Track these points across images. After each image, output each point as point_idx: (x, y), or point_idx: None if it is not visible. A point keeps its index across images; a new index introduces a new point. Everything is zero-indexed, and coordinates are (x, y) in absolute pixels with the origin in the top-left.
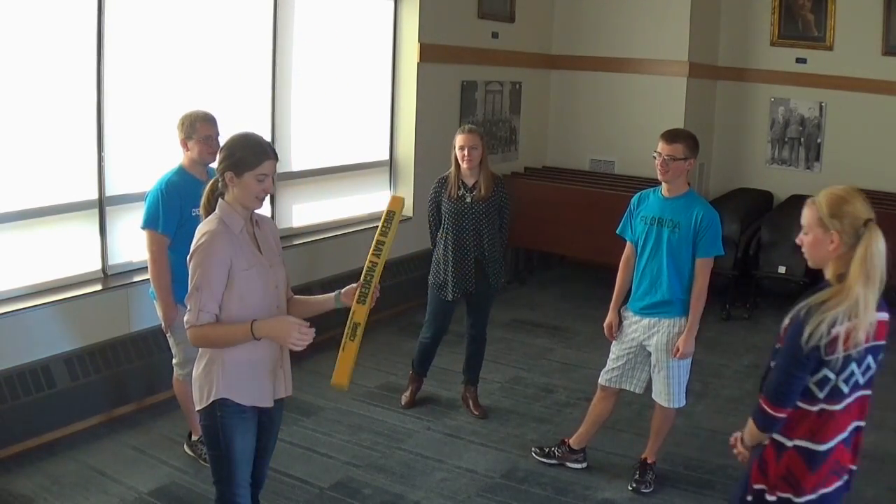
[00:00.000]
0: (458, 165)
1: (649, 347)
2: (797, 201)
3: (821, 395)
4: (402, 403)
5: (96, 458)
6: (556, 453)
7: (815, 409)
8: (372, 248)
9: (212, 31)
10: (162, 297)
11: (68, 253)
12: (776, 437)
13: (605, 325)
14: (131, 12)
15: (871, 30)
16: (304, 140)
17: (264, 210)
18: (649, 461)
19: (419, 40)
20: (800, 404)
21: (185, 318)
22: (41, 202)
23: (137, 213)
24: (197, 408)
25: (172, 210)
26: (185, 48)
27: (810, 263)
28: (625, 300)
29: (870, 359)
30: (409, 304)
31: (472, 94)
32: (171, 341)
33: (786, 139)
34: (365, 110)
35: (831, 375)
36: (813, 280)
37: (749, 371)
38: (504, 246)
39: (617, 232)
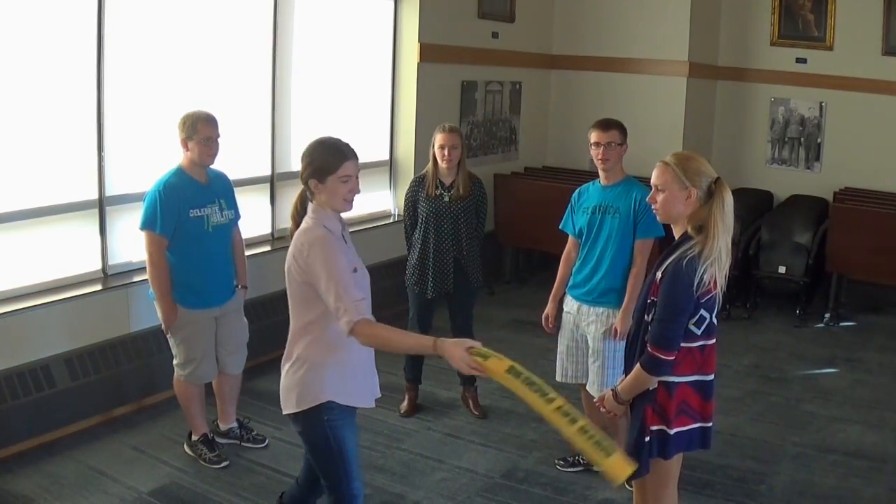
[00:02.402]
0: (436, 164)
1: (588, 337)
2: (797, 201)
3: (699, 333)
4: (401, 412)
5: (96, 458)
6: (581, 461)
7: (696, 345)
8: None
9: (212, 31)
10: (161, 299)
11: (68, 253)
12: (664, 379)
13: (542, 315)
14: (131, 12)
15: (871, 30)
16: (305, 140)
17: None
18: None
19: (419, 40)
20: (683, 344)
21: (343, 321)
22: (41, 202)
23: (137, 213)
24: (290, 411)
25: (170, 211)
26: (186, 48)
27: (661, 218)
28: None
29: (719, 295)
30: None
31: (472, 94)
32: (171, 342)
33: (786, 139)
34: (365, 110)
35: (706, 314)
36: (813, 280)
37: (749, 371)
38: (480, 245)
39: (559, 227)
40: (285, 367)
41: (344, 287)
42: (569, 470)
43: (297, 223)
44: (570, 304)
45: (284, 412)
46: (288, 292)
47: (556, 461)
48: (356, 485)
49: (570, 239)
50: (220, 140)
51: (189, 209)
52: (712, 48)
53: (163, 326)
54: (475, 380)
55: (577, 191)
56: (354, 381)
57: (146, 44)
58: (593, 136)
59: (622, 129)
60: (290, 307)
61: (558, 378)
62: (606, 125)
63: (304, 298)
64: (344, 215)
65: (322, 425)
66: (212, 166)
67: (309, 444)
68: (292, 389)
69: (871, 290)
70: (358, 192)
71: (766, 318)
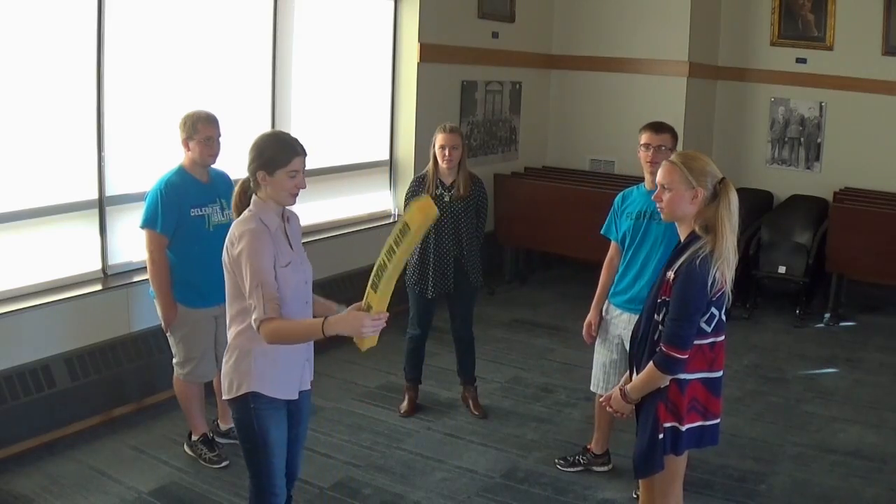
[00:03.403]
0: (436, 164)
1: None
2: (797, 201)
3: (709, 330)
4: (401, 412)
5: (96, 458)
6: (581, 461)
7: (706, 342)
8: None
9: (212, 31)
10: (161, 297)
11: (68, 253)
12: (676, 376)
13: (584, 323)
14: (131, 12)
15: (871, 30)
16: (304, 140)
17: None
18: None
19: (419, 40)
20: (694, 342)
21: (253, 318)
22: (41, 202)
23: (137, 213)
24: (226, 397)
25: (171, 210)
26: (185, 48)
27: (665, 217)
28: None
29: (728, 293)
30: (409, 304)
31: (472, 94)
32: (170, 341)
33: (786, 139)
34: (365, 110)
35: (716, 311)
36: (813, 280)
37: (749, 371)
38: (481, 245)
39: (601, 232)
40: (225, 355)
41: (258, 284)
42: (569, 470)
43: (238, 213)
44: (612, 312)
45: (224, 396)
46: (225, 281)
47: (556, 461)
48: (277, 482)
49: (613, 244)
50: (220, 139)
51: (190, 208)
52: (712, 48)
53: (162, 325)
54: (472, 379)
55: (619, 195)
56: (277, 371)
57: (146, 44)
58: (644, 138)
59: (674, 134)
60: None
61: (592, 388)
62: (659, 128)
63: (236, 287)
64: (345, 214)
65: (249, 413)
66: (213, 166)
67: (238, 431)
68: (226, 376)
69: (871, 290)
70: (304, 187)
71: (766, 318)
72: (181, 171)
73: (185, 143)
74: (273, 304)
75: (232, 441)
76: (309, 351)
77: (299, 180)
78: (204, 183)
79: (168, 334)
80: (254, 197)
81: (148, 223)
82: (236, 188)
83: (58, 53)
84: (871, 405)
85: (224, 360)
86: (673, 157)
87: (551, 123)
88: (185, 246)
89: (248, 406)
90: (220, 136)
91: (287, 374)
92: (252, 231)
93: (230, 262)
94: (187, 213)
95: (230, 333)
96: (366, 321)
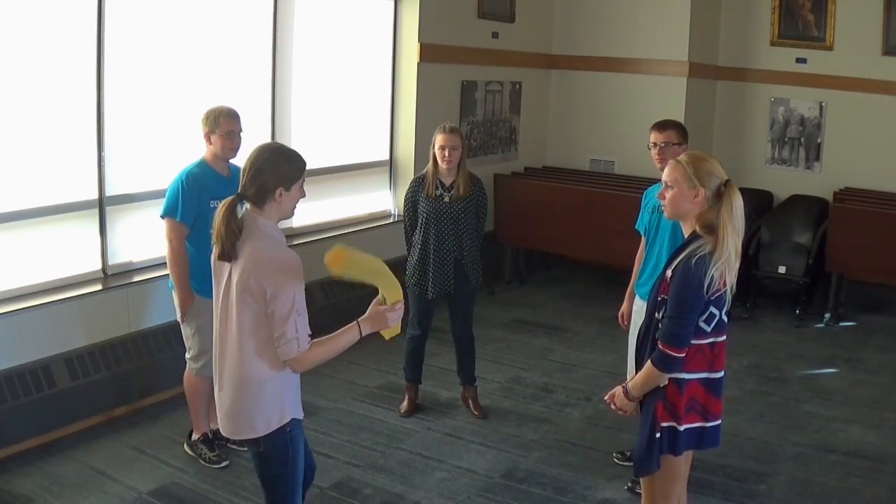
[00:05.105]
0: (436, 164)
1: None
2: (797, 201)
3: (709, 330)
4: (401, 413)
5: (96, 458)
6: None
7: (706, 342)
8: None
9: (212, 30)
10: (179, 286)
11: (68, 253)
12: (675, 375)
13: (619, 313)
14: (131, 12)
15: (871, 30)
16: (304, 140)
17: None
18: None
19: (419, 40)
20: (693, 341)
21: (286, 348)
22: (41, 202)
23: (138, 213)
24: (253, 436)
25: (192, 200)
26: (186, 48)
27: (668, 214)
28: None
29: (728, 293)
30: (409, 304)
31: (472, 94)
32: (185, 333)
33: (786, 139)
34: (365, 110)
35: (716, 312)
36: (813, 280)
37: (749, 371)
38: (481, 245)
39: (635, 227)
40: (239, 389)
41: (304, 321)
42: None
43: (233, 241)
44: (637, 303)
45: (249, 436)
46: (235, 308)
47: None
48: (298, 499)
49: (643, 238)
50: (241, 134)
51: (210, 199)
52: (712, 48)
53: (178, 315)
54: (472, 379)
55: (645, 191)
56: (298, 393)
57: (146, 43)
58: (651, 137)
59: (680, 130)
60: (232, 324)
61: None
62: (663, 126)
63: (260, 316)
64: (345, 214)
65: (285, 440)
66: (234, 161)
67: (269, 462)
68: (255, 412)
69: (871, 290)
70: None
71: (766, 318)
72: (203, 164)
73: (207, 137)
74: (308, 338)
75: (232, 446)
76: None
77: (303, 191)
78: (225, 177)
79: (183, 325)
80: (257, 218)
81: (168, 212)
82: (222, 214)
83: (58, 53)
84: (871, 405)
85: (237, 399)
86: (681, 156)
87: (551, 123)
88: (203, 237)
89: (285, 434)
90: (241, 130)
91: (298, 393)
92: (298, 263)
93: (261, 293)
94: (207, 204)
95: (251, 365)
96: (388, 314)
